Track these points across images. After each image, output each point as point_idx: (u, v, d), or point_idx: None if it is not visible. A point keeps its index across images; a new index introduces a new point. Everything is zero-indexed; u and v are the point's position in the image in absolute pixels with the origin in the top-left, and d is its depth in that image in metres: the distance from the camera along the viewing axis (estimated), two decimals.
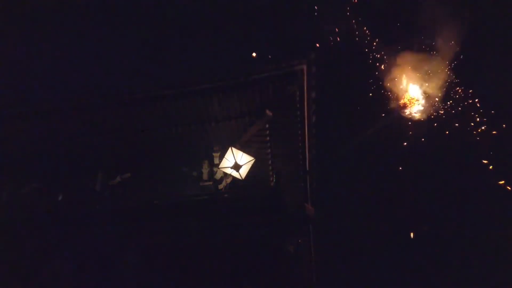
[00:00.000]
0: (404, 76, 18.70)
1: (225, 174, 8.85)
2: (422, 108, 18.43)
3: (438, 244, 24.14)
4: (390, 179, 23.97)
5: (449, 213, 24.09)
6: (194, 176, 9.20)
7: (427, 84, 18.28)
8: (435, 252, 24.08)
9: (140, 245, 7.73)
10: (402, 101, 18.60)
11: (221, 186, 8.97)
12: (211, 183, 9.01)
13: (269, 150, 9.52)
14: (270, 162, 9.72)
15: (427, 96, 18.41)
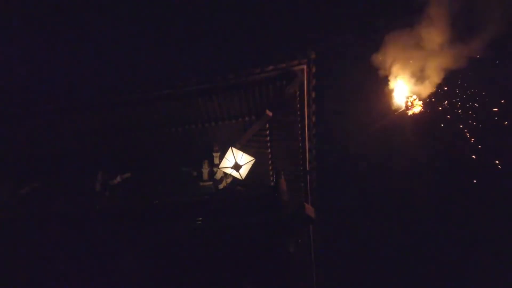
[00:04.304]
0: (405, 76, 18.69)
1: (225, 174, 8.85)
2: (423, 108, 18.42)
3: (438, 244, 24.14)
4: (391, 179, 23.98)
5: (450, 213, 24.09)
6: (194, 176, 9.20)
7: (428, 85, 18.27)
8: (435, 253, 24.08)
9: (140, 245, 7.73)
10: (402, 101, 18.58)
11: (221, 186, 8.97)
12: (211, 183, 9.01)
13: (269, 150, 9.52)
14: (270, 162, 9.72)
15: (428, 97, 18.40)
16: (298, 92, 8.29)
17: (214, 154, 9.29)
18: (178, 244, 7.63)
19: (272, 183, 9.69)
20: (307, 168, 9.48)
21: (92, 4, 22.62)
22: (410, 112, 18.30)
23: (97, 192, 9.02)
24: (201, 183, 9.06)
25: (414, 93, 18.40)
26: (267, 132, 9.12)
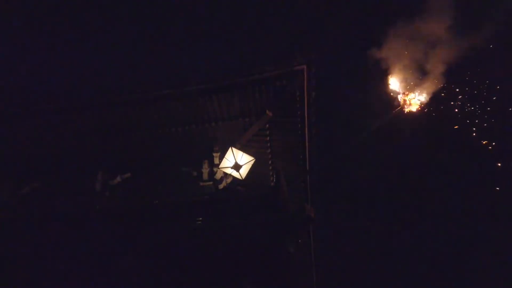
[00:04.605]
0: (403, 75, 18.73)
1: (225, 174, 8.84)
2: (421, 107, 18.46)
3: (439, 244, 24.12)
4: (391, 178, 23.98)
5: (451, 213, 24.08)
6: (194, 176, 9.20)
7: (426, 83, 18.32)
8: (436, 252, 24.07)
9: (140, 245, 7.73)
10: (402, 101, 18.61)
11: (221, 186, 8.97)
12: (211, 183, 9.01)
13: (269, 150, 9.52)
14: (270, 162, 9.72)
15: (426, 95, 18.45)
16: (298, 92, 8.29)
17: (214, 154, 9.29)
18: (178, 244, 7.63)
19: (272, 183, 9.69)
20: (307, 168, 9.48)
21: (92, 4, 22.62)
22: (407, 110, 18.35)
23: (97, 192, 9.02)
24: (201, 183, 9.06)
25: (412, 91, 18.45)
26: (267, 132, 9.13)
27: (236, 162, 8.36)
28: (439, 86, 18.28)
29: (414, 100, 18.35)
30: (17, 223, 8.04)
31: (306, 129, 8.82)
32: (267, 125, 8.99)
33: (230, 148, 8.45)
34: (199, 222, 7.83)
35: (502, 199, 21.70)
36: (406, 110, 18.42)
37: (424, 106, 18.42)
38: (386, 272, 23.63)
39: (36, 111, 8.62)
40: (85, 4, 22.38)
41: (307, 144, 9.08)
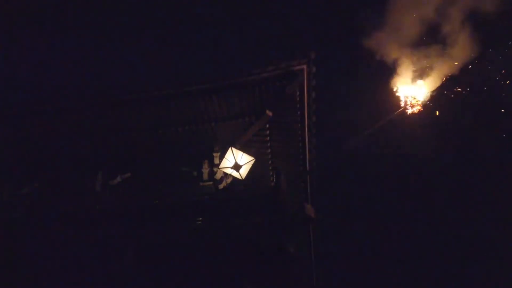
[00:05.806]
0: (405, 76, 18.69)
1: (225, 174, 8.84)
2: (423, 108, 18.43)
3: (440, 244, 24.13)
4: (391, 179, 23.97)
5: (451, 213, 24.07)
6: (194, 176, 9.20)
7: (428, 84, 18.28)
8: (436, 252, 24.07)
9: (140, 245, 7.74)
10: (403, 101, 18.59)
11: (221, 186, 8.97)
12: (211, 183, 9.01)
13: (269, 150, 9.52)
14: (270, 162, 9.72)
15: (428, 96, 18.42)
16: (298, 92, 8.29)
17: (214, 154, 9.29)
18: (178, 244, 7.64)
19: (272, 183, 9.69)
20: (307, 168, 9.48)
21: (92, 4, 22.63)
22: (409, 111, 18.32)
23: (97, 192, 9.02)
24: (201, 183, 9.05)
25: (414, 93, 18.41)
26: (267, 132, 9.12)
27: (236, 162, 8.36)
28: (441, 86, 18.25)
29: (416, 101, 18.33)
30: (17, 223, 8.05)
31: (306, 129, 8.82)
32: (267, 125, 8.98)
33: (230, 148, 8.44)
34: (199, 222, 7.84)
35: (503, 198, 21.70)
36: (409, 110, 18.40)
37: (426, 106, 18.40)
38: (386, 272, 23.64)
39: (36, 111, 8.63)
40: (86, 4, 22.39)
41: (307, 144, 9.08)
